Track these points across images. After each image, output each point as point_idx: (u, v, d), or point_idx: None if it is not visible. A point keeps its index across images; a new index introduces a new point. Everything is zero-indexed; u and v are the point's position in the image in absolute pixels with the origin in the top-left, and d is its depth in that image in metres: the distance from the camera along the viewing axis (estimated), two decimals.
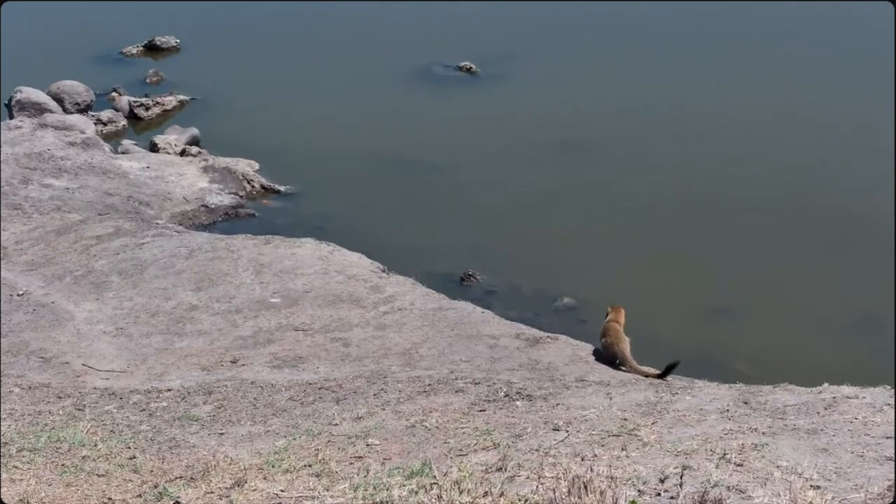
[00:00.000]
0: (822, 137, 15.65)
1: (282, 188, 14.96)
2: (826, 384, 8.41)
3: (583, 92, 17.19)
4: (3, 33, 18.38)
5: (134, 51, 19.05)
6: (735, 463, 6.46)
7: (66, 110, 16.65)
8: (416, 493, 6.13)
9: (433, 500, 5.96)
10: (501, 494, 5.97)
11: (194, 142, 16.07)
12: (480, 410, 8.31)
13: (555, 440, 7.18)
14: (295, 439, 7.75)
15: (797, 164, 15.01)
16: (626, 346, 10.07)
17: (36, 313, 11.02)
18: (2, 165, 14.39)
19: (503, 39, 18.98)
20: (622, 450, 6.84)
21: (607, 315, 10.42)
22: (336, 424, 8.10)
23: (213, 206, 14.44)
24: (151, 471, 7.20)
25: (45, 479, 7.02)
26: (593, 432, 7.33)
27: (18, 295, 11.39)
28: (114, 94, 17.47)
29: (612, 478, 6.00)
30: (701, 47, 18.57)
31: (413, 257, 12.58)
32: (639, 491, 6.01)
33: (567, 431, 7.38)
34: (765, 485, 6.09)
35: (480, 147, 15.75)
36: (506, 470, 6.46)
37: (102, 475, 7.10)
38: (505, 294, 12.47)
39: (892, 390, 8.07)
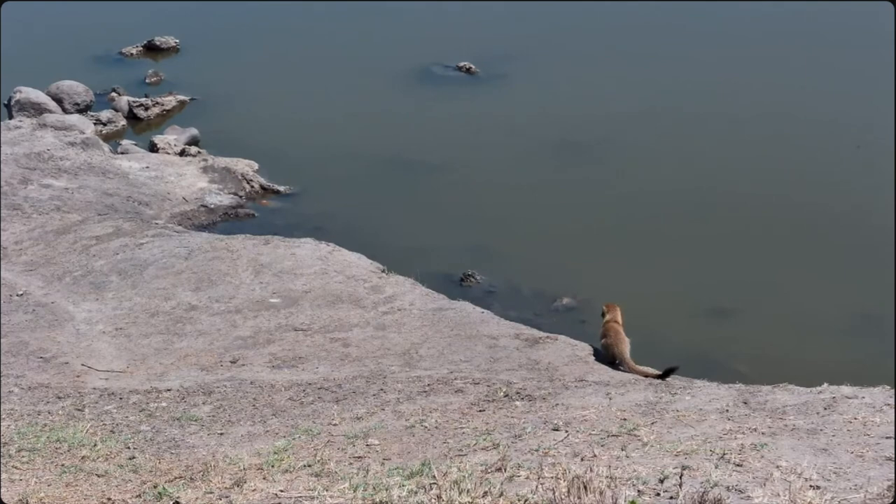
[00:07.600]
0: (822, 137, 15.64)
1: (281, 188, 14.94)
2: (826, 384, 8.41)
3: (583, 92, 17.18)
4: (3, 33, 18.37)
5: (133, 51, 19.03)
6: (734, 463, 6.46)
7: (65, 110, 16.64)
8: (416, 493, 6.13)
9: (433, 501, 5.96)
10: (501, 494, 5.97)
11: (194, 142, 16.06)
12: (480, 410, 8.31)
13: (554, 440, 7.18)
14: (294, 439, 7.75)
15: (797, 164, 14.99)
16: (625, 347, 10.05)
17: (35, 313, 11.02)
18: (1, 165, 14.39)
19: (503, 39, 18.96)
20: (622, 450, 6.84)
21: (603, 313, 10.41)
22: (336, 424, 8.10)
23: (212, 206, 14.43)
24: (151, 471, 7.20)
25: (44, 479, 7.02)
26: (593, 432, 7.33)
27: (18, 295, 11.39)
28: (113, 94, 17.45)
29: (611, 478, 6.00)
30: (701, 47, 18.56)
31: (413, 257, 12.57)
32: (638, 491, 6.01)
33: (566, 431, 7.38)
34: (764, 485, 6.08)
35: (480, 147, 15.74)
36: (505, 470, 6.45)
37: (102, 475, 7.10)
38: (505, 294, 12.46)
39: (892, 390, 8.07)
